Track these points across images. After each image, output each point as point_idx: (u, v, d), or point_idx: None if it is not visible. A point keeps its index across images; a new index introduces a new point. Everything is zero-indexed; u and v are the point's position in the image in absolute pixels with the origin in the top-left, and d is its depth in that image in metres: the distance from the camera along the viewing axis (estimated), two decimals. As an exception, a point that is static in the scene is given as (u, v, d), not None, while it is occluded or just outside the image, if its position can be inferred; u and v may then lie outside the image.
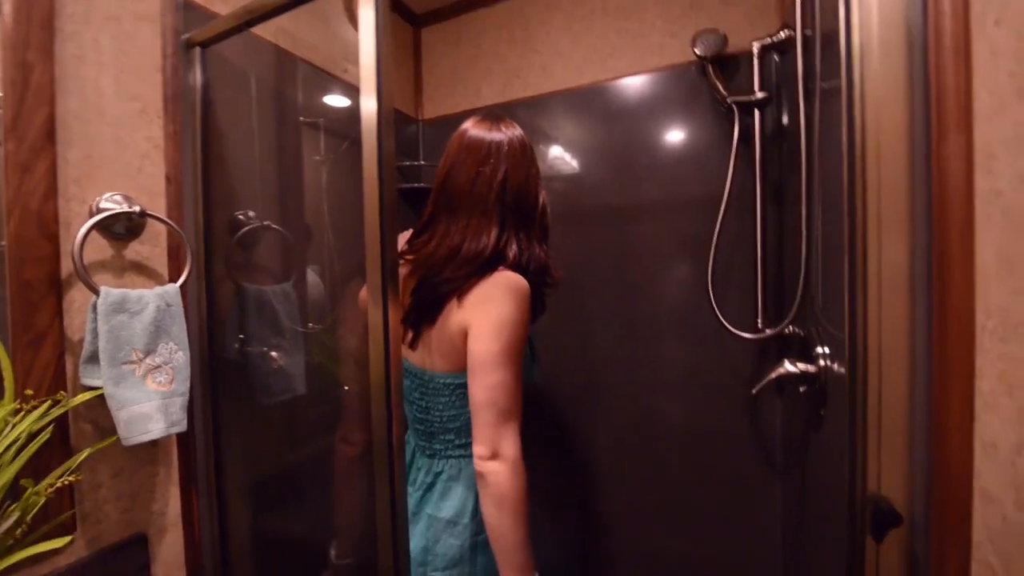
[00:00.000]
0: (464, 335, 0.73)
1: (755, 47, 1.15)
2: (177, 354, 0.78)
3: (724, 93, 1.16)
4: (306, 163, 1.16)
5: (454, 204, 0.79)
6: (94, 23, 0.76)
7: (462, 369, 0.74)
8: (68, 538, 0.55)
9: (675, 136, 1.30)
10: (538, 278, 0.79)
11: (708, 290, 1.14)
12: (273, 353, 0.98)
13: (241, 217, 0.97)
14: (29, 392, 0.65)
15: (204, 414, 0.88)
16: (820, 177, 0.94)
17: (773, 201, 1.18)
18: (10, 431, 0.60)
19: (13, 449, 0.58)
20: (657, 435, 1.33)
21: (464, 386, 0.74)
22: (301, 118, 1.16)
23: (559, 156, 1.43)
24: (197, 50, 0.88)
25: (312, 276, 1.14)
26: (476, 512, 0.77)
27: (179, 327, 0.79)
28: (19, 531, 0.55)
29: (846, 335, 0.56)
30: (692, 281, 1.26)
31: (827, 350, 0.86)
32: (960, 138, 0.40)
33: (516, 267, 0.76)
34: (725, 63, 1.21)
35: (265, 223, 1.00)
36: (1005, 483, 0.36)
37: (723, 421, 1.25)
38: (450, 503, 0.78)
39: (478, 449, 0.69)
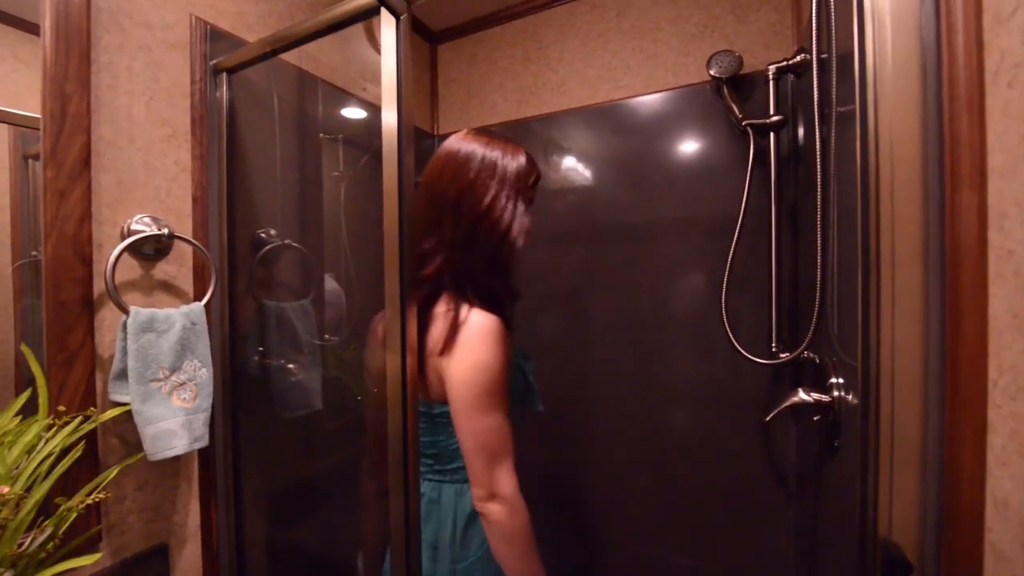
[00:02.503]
0: (439, 376, 0.72)
1: (771, 70, 1.14)
2: (201, 371, 0.81)
3: (739, 115, 1.16)
4: (325, 181, 1.19)
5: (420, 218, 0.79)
6: (127, 52, 0.80)
7: (437, 400, 0.74)
8: (99, 555, 0.57)
9: (689, 155, 1.30)
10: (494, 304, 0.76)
11: (722, 312, 1.14)
12: (291, 368, 1.01)
13: (263, 235, 1.00)
14: (62, 408, 0.68)
15: (224, 428, 0.91)
16: (836, 201, 0.94)
17: (788, 223, 1.18)
18: (44, 446, 0.63)
19: (47, 464, 0.61)
20: (668, 455, 1.33)
21: (438, 416, 0.75)
22: (321, 135, 1.19)
23: (572, 169, 1.44)
24: (224, 75, 0.92)
25: (329, 287, 1.16)
26: (455, 539, 0.77)
27: (203, 345, 0.82)
28: (51, 545, 0.58)
29: (859, 370, 0.56)
30: (705, 302, 1.26)
31: (841, 380, 0.85)
32: (973, 194, 0.41)
33: (481, 299, 0.74)
34: (740, 84, 1.21)
35: (286, 241, 1.03)
36: (1017, 543, 0.36)
37: (736, 444, 1.25)
38: (430, 526, 0.78)
39: (475, 491, 0.70)
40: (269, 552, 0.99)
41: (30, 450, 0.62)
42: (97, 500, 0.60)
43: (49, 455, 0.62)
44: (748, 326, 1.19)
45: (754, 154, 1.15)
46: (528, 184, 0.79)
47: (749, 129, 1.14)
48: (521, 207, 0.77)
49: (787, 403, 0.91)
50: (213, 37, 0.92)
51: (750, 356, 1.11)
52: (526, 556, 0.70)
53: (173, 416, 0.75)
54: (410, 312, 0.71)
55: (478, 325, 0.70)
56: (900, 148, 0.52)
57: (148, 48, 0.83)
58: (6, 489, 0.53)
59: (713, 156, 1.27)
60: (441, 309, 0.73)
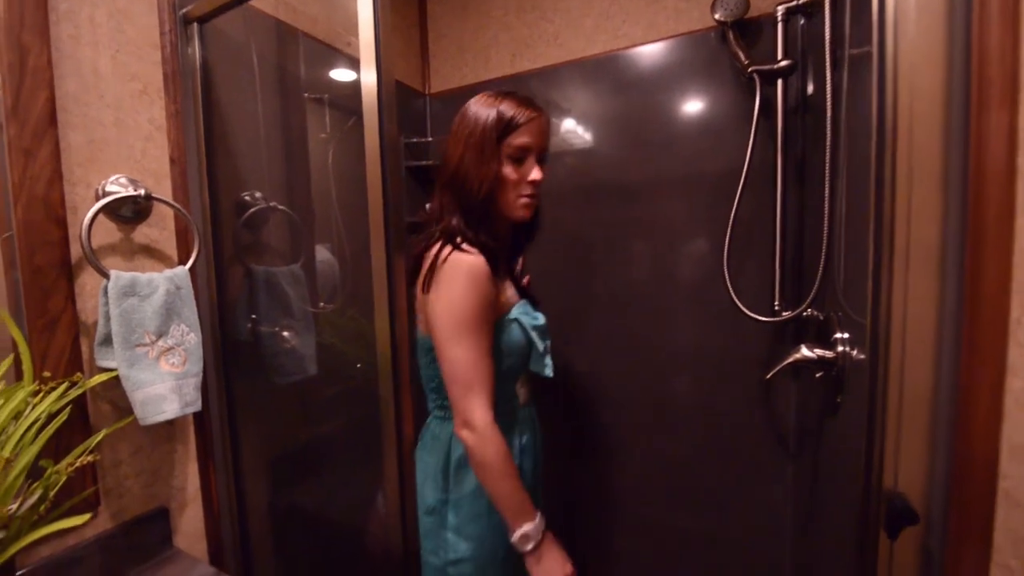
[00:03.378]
0: (425, 313, 0.81)
1: (779, 11, 1.07)
2: (189, 336, 0.79)
3: (745, 61, 1.09)
4: (312, 141, 1.14)
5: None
6: (88, 0, 0.74)
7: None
8: (87, 515, 0.57)
9: (692, 108, 1.24)
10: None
11: (723, 269, 1.11)
12: (285, 334, 0.99)
13: (247, 198, 0.96)
14: (47, 374, 0.67)
15: (219, 394, 0.90)
16: (846, 151, 0.89)
17: (795, 177, 1.13)
18: (31, 411, 0.62)
19: (34, 429, 0.60)
20: (668, 414, 1.33)
21: (430, 350, 0.83)
22: (305, 95, 1.13)
23: (571, 130, 1.38)
24: (195, 26, 0.86)
25: (322, 256, 1.14)
26: (448, 472, 0.84)
27: (190, 309, 0.80)
28: (43, 507, 0.58)
29: (868, 321, 0.53)
30: (707, 259, 1.23)
31: (847, 335, 0.83)
32: (1003, 115, 0.37)
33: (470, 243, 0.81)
34: (746, 28, 1.14)
35: (271, 204, 0.99)
36: (1031, 487, 0.34)
37: (736, 403, 1.24)
38: (429, 458, 0.87)
39: (455, 421, 0.77)
40: (270, 513, 1.00)
41: (17, 416, 0.61)
42: (85, 463, 0.59)
43: (36, 421, 0.61)
44: (751, 285, 1.16)
45: (760, 104, 1.09)
46: (498, 135, 0.80)
47: (756, 76, 1.08)
48: (485, 158, 0.80)
49: (789, 360, 0.89)
50: (182, -17, 0.85)
51: (752, 315, 1.09)
52: (501, 481, 0.75)
53: (162, 381, 0.74)
54: (398, 278, 0.68)
55: (452, 263, 0.77)
56: (920, 76, 0.48)
57: (109, -4, 0.77)
58: (-13, 453, 0.52)
59: (717, 109, 1.21)
60: (431, 253, 0.80)
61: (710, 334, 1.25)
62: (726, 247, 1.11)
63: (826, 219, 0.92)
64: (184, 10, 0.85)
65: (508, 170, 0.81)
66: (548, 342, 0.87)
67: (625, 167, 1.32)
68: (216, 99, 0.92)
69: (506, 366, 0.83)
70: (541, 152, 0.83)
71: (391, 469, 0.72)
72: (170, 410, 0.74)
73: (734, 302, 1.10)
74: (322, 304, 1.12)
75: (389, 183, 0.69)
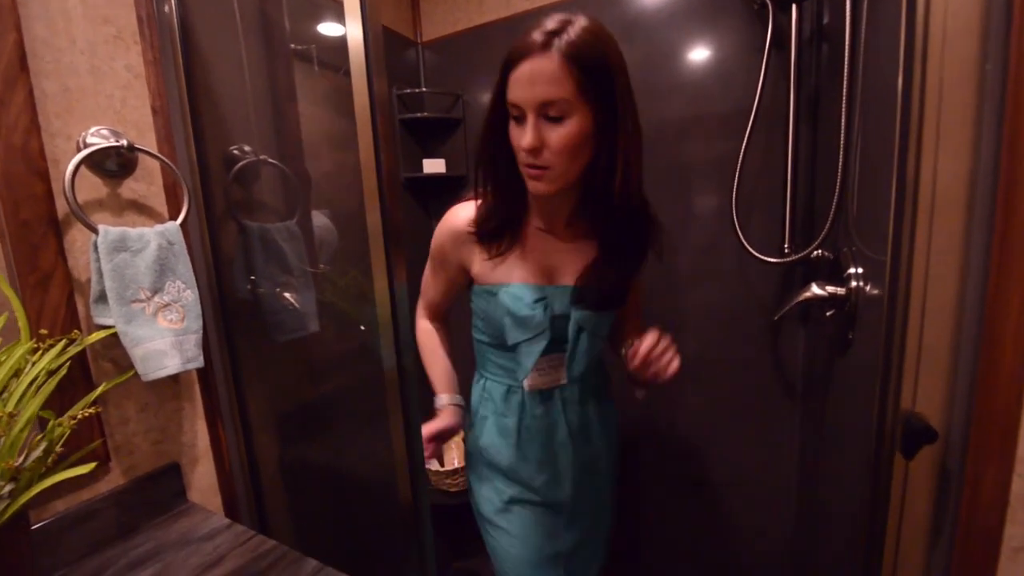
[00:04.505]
0: None
1: (795, -72, 0.99)
2: (185, 292, 0.78)
3: (756, -12, 1.03)
4: (302, 93, 1.09)
5: None
6: (49, -68, 0.69)
7: None
8: (92, 464, 0.57)
9: (699, 45, 1.17)
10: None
11: (732, 211, 1.08)
12: (284, 291, 0.98)
13: (236, 152, 0.93)
14: (44, 332, 0.66)
15: (221, 351, 0.89)
16: (864, 82, 0.84)
17: (808, 112, 1.08)
18: (30, 369, 0.61)
19: (35, 387, 0.59)
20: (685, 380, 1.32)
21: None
22: (292, 45, 1.07)
23: None
24: (167, -37, 0.80)
25: (321, 225, 1.11)
26: (477, 415, 0.91)
27: (184, 265, 0.78)
28: (50, 460, 0.58)
29: (888, 249, 0.51)
30: (715, 203, 1.19)
31: (860, 270, 0.80)
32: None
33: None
34: (758, -49, 1.06)
35: (261, 157, 0.95)
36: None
37: (743, 348, 1.23)
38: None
39: None
40: (281, 467, 1.01)
41: (17, 374, 0.61)
42: (87, 415, 0.58)
43: (36, 378, 0.60)
44: (760, 228, 1.13)
45: (772, 35, 1.03)
46: (499, 85, 0.67)
47: (768, 3, 1.01)
48: (488, 114, 0.71)
49: (799, 298, 0.87)
50: (147, -86, 0.79)
51: (761, 256, 1.06)
52: (422, 360, 0.93)
53: (161, 337, 0.73)
54: (394, 237, 0.66)
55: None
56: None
57: (71, -72, 0.71)
58: (-13, 404, 0.52)
59: (726, 44, 1.15)
60: None
61: (718, 279, 1.23)
62: (735, 188, 1.07)
63: (841, 154, 0.88)
64: (152, -55, 0.79)
65: (512, 129, 0.68)
66: (533, 346, 0.77)
67: None
68: (197, 46, 0.87)
69: (489, 336, 0.86)
70: (537, 108, 0.62)
71: (396, 429, 0.72)
72: (171, 365, 0.73)
73: (742, 244, 1.07)
74: (321, 266, 1.10)
75: (380, 140, 0.65)
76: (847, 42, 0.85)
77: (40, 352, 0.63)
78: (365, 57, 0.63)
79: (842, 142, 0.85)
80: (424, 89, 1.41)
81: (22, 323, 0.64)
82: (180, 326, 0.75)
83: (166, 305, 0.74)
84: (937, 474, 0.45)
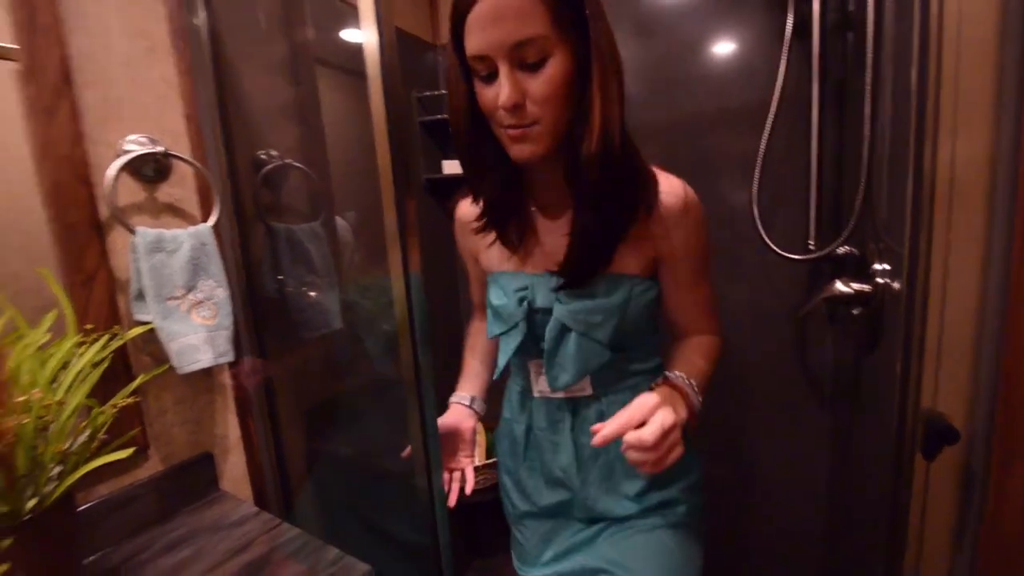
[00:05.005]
0: None
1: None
2: (217, 290, 0.82)
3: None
4: (324, 98, 1.13)
5: None
6: (91, -46, 0.74)
7: None
8: (131, 449, 0.61)
9: (719, 37, 1.15)
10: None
11: (752, 207, 1.06)
12: (309, 290, 1.01)
13: (263, 156, 0.96)
14: (90, 327, 0.71)
15: (250, 346, 0.93)
16: (890, 72, 0.81)
17: (832, 103, 1.04)
18: (77, 361, 0.65)
19: (81, 377, 0.64)
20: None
21: None
22: (314, 52, 1.11)
23: None
24: (198, -22, 0.85)
25: (340, 224, 1.14)
26: (502, 416, 0.85)
27: (216, 265, 0.82)
28: (94, 445, 0.62)
29: (906, 242, 0.49)
30: (736, 199, 1.17)
31: (887, 267, 0.78)
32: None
33: None
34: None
35: (287, 161, 0.99)
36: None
37: (768, 347, 1.20)
38: None
39: None
40: (307, 460, 1.05)
41: (65, 365, 0.65)
42: (128, 404, 0.63)
43: (82, 369, 0.65)
44: (784, 223, 1.10)
45: (793, 25, 1.00)
46: (455, 40, 0.55)
47: (789, -7, 0.99)
48: (450, 79, 0.59)
49: (824, 295, 0.85)
50: (179, -68, 0.83)
51: (784, 253, 1.04)
52: None
53: (195, 332, 0.77)
54: (411, 240, 0.68)
55: None
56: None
57: (111, -52, 0.76)
58: (39, 393, 0.56)
59: (745, 36, 1.12)
60: None
61: (741, 276, 1.20)
62: (755, 183, 1.05)
63: (866, 147, 0.85)
64: (185, -39, 0.84)
65: (480, 92, 0.55)
66: (508, 341, 0.67)
67: (645, 109, 1.25)
68: (225, 56, 0.91)
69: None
70: (509, 53, 0.50)
71: (413, 425, 0.73)
72: (204, 359, 0.77)
73: (764, 241, 1.05)
74: (344, 262, 1.13)
75: (397, 147, 0.66)
76: (871, 30, 0.83)
77: (86, 346, 0.67)
78: (380, 61, 0.65)
79: (867, 134, 0.83)
80: (444, 91, 1.44)
81: (70, 319, 0.69)
82: (212, 322, 0.79)
83: (199, 302, 0.78)
84: (960, 476, 0.44)
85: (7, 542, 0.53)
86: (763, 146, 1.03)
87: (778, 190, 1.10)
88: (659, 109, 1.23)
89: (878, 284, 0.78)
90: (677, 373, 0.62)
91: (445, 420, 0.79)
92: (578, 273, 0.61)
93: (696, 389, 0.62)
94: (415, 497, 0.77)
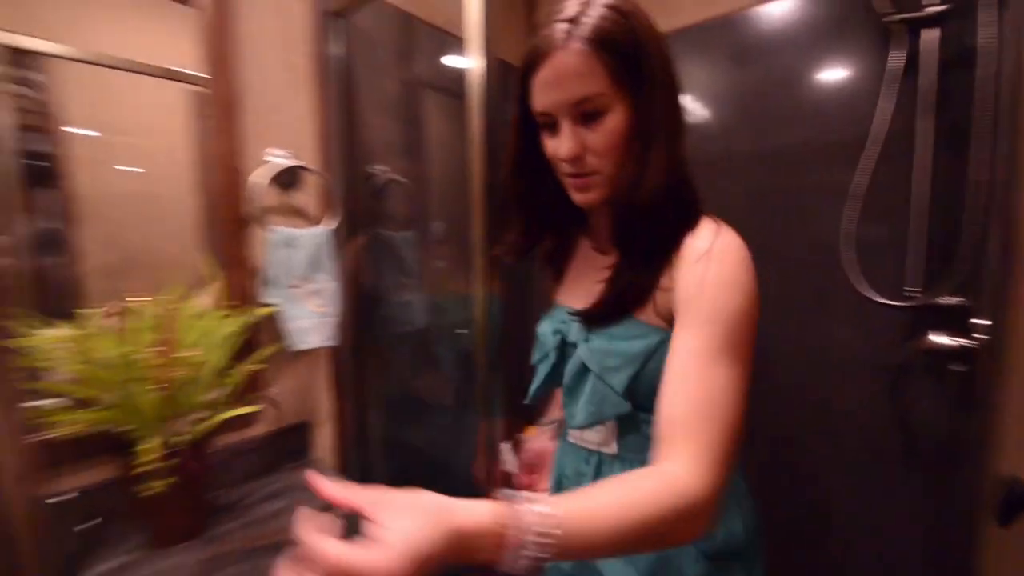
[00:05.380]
0: None
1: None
2: (330, 284, 0.96)
3: (887, 9, 0.96)
4: (430, 120, 1.26)
5: None
6: (258, 4, 0.91)
7: None
8: (259, 405, 0.75)
9: (819, 68, 1.12)
10: None
11: (846, 246, 1.01)
12: (399, 291, 1.14)
13: (374, 171, 1.11)
14: (234, 303, 0.87)
15: (349, 334, 1.07)
16: (1010, 110, 0.76)
17: (938, 143, 0.97)
18: (221, 329, 0.81)
19: (222, 343, 0.79)
20: (779, 417, 1.25)
21: None
22: (423, 78, 1.25)
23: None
24: (337, 21, 1.00)
25: (436, 226, 1.27)
26: None
27: (330, 262, 0.96)
28: (227, 399, 0.76)
29: (987, 299, 0.47)
30: (827, 237, 1.12)
31: (989, 322, 0.72)
32: None
33: None
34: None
35: (393, 176, 1.13)
36: None
37: (857, 402, 1.12)
38: None
39: None
40: (384, 438, 1.16)
41: (210, 332, 0.81)
42: (255, 369, 0.76)
43: (223, 337, 0.80)
44: (877, 266, 1.04)
45: (904, 60, 0.96)
46: (521, 94, 0.58)
47: (900, 27, 0.95)
48: (517, 142, 0.62)
49: (919, 349, 0.80)
50: (329, -17, 1.00)
51: (881, 299, 0.98)
52: None
53: (308, 317, 0.91)
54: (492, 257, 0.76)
55: None
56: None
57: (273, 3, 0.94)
58: (199, 351, 0.71)
59: (849, 67, 1.08)
60: None
61: (829, 320, 1.14)
62: (850, 222, 1.00)
63: (974, 190, 0.79)
64: (326, 6, 1.00)
65: (546, 141, 0.58)
66: (539, 369, 0.67)
67: (739, 138, 1.23)
68: (351, 85, 1.06)
69: None
70: (570, 110, 0.53)
71: (481, 432, 0.81)
72: (313, 340, 0.91)
73: (858, 284, 0.99)
74: (430, 267, 1.25)
75: (489, 170, 0.76)
76: (991, 67, 0.78)
77: (227, 318, 0.83)
78: (482, 86, 0.74)
79: (979, 177, 0.77)
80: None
81: (218, 296, 0.85)
82: (323, 310, 0.93)
83: (315, 292, 0.92)
84: (1037, 546, 0.41)
85: (171, 479, 0.67)
86: (860, 183, 0.99)
87: (875, 231, 1.04)
88: (750, 139, 1.22)
89: (981, 340, 0.73)
90: (538, 507, 0.38)
91: (531, 444, 0.78)
92: (599, 313, 0.60)
93: (543, 541, 0.37)
94: (475, 491, 0.84)
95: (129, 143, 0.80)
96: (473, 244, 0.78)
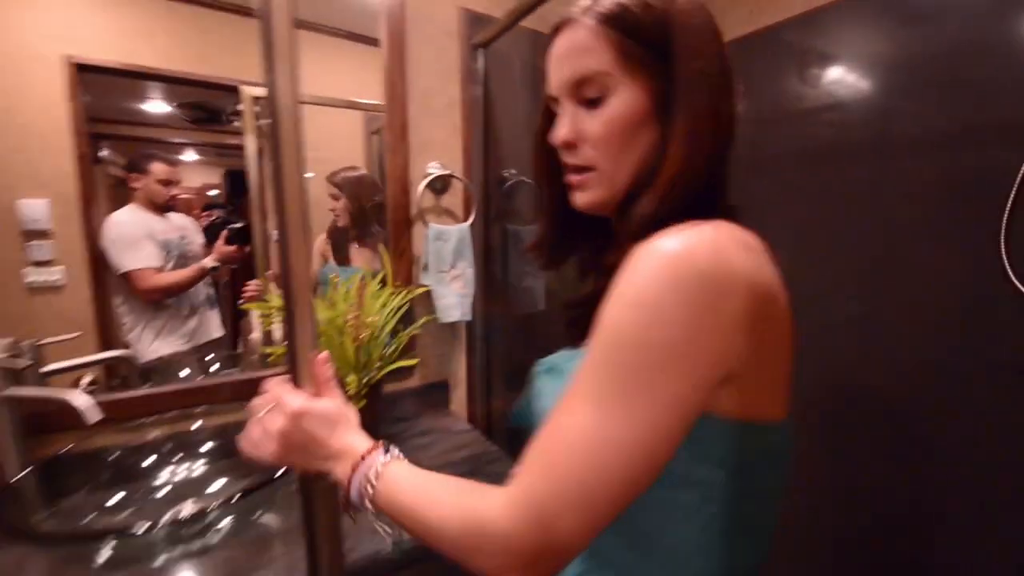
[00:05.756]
0: None
1: None
2: (468, 270, 1.18)
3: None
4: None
5: None
6: (423, 45, 1.15)
7: None
8: (416, 360, 0.99)
9: (1001, 37, 0.97)
10: None
11: (1002, 242, 0.89)
12: (524, 278, 1.32)
13: (506, 175, 1.29)
14: (399, 284, 1.13)
15: (481, 313, 1.28)
16: None
17: None
18: (390, 303, 1.07)
19: (391, 313, 1.05)
20: (904, 432, 1.14)
21: None
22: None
23: (838, 81, 1.21)
24: (480, 50, 1.20)
25: None
26: None
27: (470, 252, 1.18)
28: (394, 355, 1.02)
29: None
30: (979, 227, 0.98)
31: None
32: None
33: None
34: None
35: (521, 178, 1.30)
36: None
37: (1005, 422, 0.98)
38: None
39: None
40: (505, 401, 1.37)
41: (384, 304, 1.08)
42: (413, 334, 1.01)
43: (392, 309, 1.06)
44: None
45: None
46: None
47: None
48: (538, 134, 0.56)
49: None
50: (473, 20, 1.20)
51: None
52: None
53: (453, 296, 1.14)
54: None
55: None
56: None
57: (433, 39, 1.17)
58: (378, 318, 0.97)
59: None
60: None
61: (977, 322, 1.01)
62: (1008, 207, 0.88)
63: None
64: (473, 40, 1.20)
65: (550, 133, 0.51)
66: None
67: (921, 117, 1.09)
68: (489, 101, 1.26)
69: None
70: (571, 91, 0.47)
71: None
72: (456, 315, 1.13)
73: (1013, 282, 0.87)
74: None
75: None
76: None
77: (394, 295, 1.09)
78: None
79: None
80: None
81: (389, 278, 1.12)
82: (464, 291, 1.15)
83: (458, 276, 1.15)
84: None
85: (362, 403, 0.94)
86: (1036, 169, 0.86)
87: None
88: (912, 115, 1.10)
89: None
90: (383, 458, 0.44)
91: None
92: (572, 336, 0.54)
93: (364, 484, 0.42)
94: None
95: (318, 158, 1.10)
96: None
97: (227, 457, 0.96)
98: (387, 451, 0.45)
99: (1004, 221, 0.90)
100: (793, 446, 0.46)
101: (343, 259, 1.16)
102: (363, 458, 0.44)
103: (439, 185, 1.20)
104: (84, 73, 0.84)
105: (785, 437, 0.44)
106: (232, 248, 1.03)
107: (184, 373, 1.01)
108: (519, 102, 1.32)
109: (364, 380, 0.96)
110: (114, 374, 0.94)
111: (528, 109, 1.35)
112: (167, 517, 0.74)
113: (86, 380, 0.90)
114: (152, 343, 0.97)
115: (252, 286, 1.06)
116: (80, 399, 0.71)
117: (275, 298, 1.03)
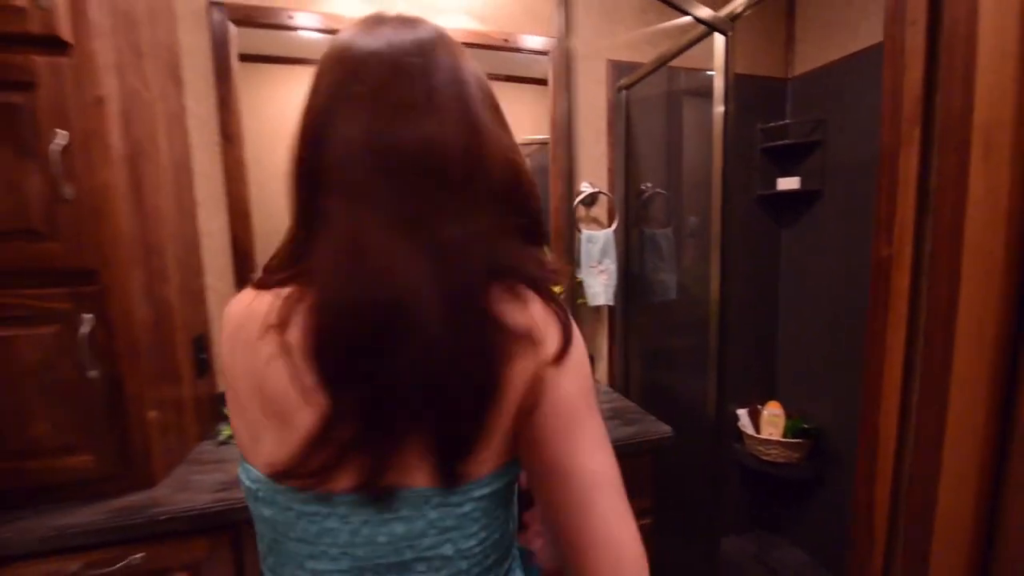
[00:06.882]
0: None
1: None
2: (611, 265, 1.49)
3: None
4: (686, 145, 1.65)
5: None
6: (582, 92, 1.50)
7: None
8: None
9: None
10: None
11: None
12: (658, 272, 1.59)
13: (644, 187, 1.58)
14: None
15: (622, 300, 1.58)
16: None
17: None
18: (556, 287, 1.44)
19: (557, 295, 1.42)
20: None
21: None
22: (684, 111, 1.64)
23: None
24: (623, 91, 1.51)
25: (690, 221, 1.65)
26: None
27: (613, 251, 1.50)
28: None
29: None
30: None
31: None
32: None
33: None
34: None
35: (657, 190, 1.58)
36: None
37: None
38: None
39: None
40: (641, 374, 1.64)
41: (549, 292, 1.45)
42: (567, 311, 1.36)
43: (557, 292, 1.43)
44: None
45: None
46: None
47: None
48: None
49: None
50: (618, 68, 1.52)
51: None
52: None
53: (600, 286, 1.47)
54: (728, 244, 1.15)
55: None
56: None
57: (586, 86, 1.51)
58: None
59: None
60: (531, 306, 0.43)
61: None
62: None
63: None
64: (619, 83, 1.51)
65: None
66: None
67: None
68: (631, 128, 1.56)
69: None
70: None
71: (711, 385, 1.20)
72: (601, 300, 1.46)
73: None
74: (683, 256, 1.65)
75: (725, 174, 1.14)
76: None
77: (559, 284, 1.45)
78: (723, 104, 1.13)
79: None
80: (788, 121, 1.69)
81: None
82: (609, 282, 1.47)
83: (603, 271, 1.47)
84: None
85: None
86: None
87: None
88: None
89: None
90: None
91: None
92: None
93: None
94: (703, 415, 1.24)
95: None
96: (712, 235, 1.18)
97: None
98: None
99: None
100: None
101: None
102: None
103: (589, 200, 1.54)
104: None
105: None
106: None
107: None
108: (655, 126, 1.60)
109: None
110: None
111: (662, 131, 1.62)
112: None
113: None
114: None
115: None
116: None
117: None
